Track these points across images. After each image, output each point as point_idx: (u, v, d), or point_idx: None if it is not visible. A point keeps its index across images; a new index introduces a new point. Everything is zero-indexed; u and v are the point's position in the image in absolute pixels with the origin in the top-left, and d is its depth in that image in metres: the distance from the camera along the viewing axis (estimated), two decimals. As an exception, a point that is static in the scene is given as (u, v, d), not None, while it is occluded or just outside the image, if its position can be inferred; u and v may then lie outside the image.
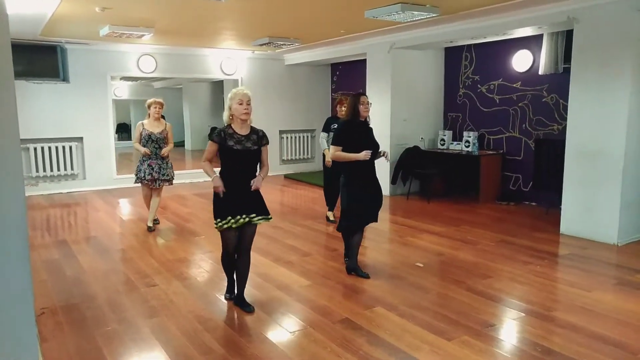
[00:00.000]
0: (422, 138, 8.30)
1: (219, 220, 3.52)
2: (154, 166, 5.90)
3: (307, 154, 11.20)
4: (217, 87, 14.15)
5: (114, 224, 6.53)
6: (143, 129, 5.91)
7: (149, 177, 5.87)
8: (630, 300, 3.81)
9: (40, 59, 8.08)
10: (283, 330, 3.34)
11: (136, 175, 5.97)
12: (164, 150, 5.93)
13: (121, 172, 9.37)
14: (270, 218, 3.70)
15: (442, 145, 8.20)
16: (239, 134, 3.51)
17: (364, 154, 4.11)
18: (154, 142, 5.89)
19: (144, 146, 5.87)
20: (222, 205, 3.51)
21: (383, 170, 8.22)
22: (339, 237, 5.62)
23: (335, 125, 5.28)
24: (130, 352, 3.08)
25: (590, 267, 4.58)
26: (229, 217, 3.49)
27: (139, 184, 6.08)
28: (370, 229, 5.90)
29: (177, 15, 6.31)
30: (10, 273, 1.63)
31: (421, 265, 4.66)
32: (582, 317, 3.48)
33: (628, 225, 5.29)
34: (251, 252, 3.69)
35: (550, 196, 6.72)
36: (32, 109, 8.22)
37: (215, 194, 3.53)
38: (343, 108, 5.73)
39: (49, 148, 8.49)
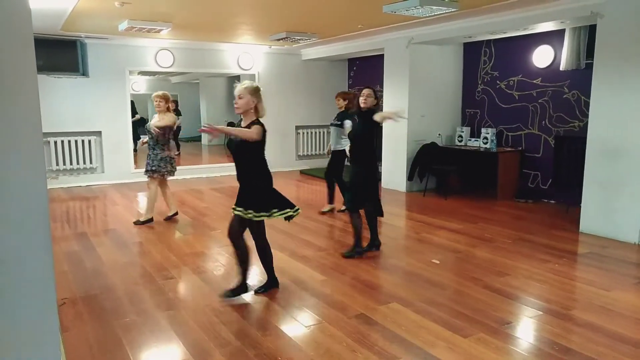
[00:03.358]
0: (439, 134, 8.23)
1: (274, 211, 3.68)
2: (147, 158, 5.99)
3: (323, 149, 11.11)
4: (234, 82, 14.20)
5: (131, 217, 6.61)
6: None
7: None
8: (652, 300, 3.74)
9: (60, 53, 8.18)
10: (299, 325, 3.35)
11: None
12: (140, 143, 6.31)
13: (139, 166, 9.48)
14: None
15: (460, 141, 8.12)
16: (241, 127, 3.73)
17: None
18: (149, 132, 5.89)
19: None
20: (271, 198, 3.70)
21: (399, 166, 8.21)
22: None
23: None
24: (148, 342, 3.13)
25: (610, 266, 4.51)
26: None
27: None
28: (386, 225, 5.90)
29: (195, 10, 6.34)
30: (34, 264, 1.66)
31: (437, 262, 4.63)
32: (601, 316, 3.44)
33: (650, 225, 5.19)
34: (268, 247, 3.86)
35: (569, 194, 6.63)
36: (53, 103, 8.34)
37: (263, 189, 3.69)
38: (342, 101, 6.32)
39: (69, 142, 8.62)
